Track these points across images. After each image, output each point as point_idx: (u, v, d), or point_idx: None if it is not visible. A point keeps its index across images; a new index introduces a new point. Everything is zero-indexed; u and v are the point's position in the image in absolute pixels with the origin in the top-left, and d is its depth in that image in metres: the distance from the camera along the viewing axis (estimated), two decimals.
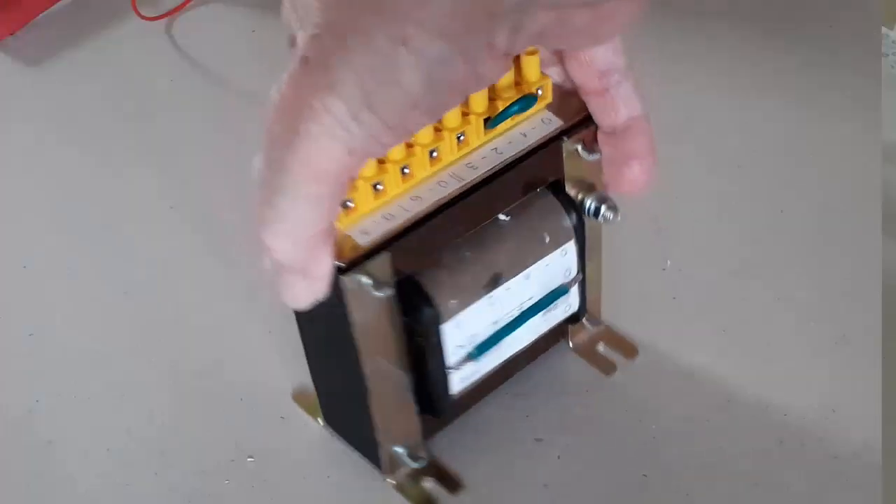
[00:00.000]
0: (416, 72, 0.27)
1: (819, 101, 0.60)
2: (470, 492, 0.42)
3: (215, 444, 0.45)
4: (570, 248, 0.40)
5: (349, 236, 0.35)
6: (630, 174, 0.38)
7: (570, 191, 0.40)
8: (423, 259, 0.37)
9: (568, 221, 0.40)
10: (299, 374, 0.48)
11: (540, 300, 0.40)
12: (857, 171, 0.55)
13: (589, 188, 0.41)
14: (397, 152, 0.35)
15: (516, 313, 0.40)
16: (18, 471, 0.45)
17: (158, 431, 0.46)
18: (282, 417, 0.46)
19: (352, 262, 0.34)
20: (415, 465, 0.41)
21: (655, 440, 0.43)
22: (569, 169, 0.39)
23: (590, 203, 0.41)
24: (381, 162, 0.35)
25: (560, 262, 0.40)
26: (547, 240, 0.40)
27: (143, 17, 0.71)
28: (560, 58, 0.37)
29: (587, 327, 0.46)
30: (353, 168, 0.30)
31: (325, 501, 0.43)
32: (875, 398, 0.44)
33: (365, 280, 0.35)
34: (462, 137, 0.36)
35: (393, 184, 0.35)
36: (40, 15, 0.73)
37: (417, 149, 0.35)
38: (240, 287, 0.53)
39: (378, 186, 0.35)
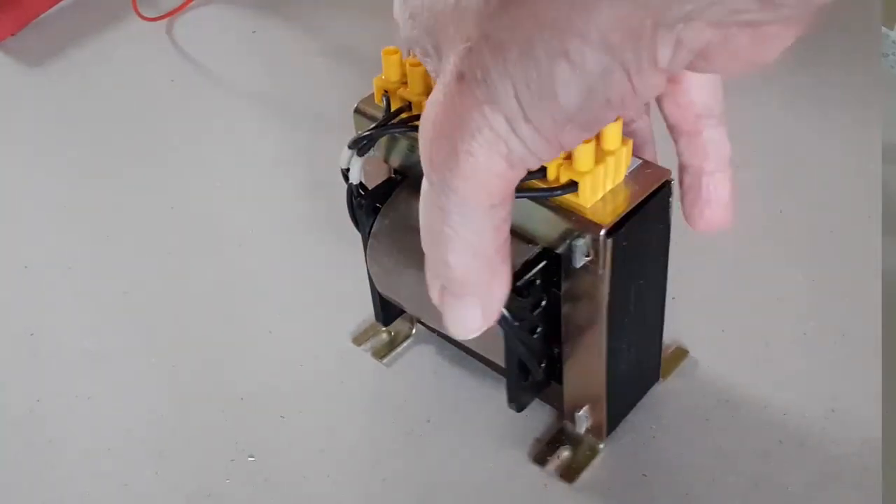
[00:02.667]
0: (574, 86, 0.27)
1: (819, 101, 0.60)
2: (470, 492, 0.42)
3: (215, 444, 0.45)
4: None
5: None
6: (708, 217, 0.39)
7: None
8: None
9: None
10: (299, 373, 0.48)
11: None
12: (857, 171, 0.55)
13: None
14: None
15: None
16: (18, 471, 0.45)
17: (158, 431, 0.46)
18: (281, 417, 0.46)
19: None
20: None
21: (655, 440, 0.43)
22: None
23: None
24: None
25: None
26: None
27: (143, 18, 0.71)
28: (658, 98, 0.37)
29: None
30: (515, 179, 0.30)
31: (324, 501, 0.43)
32: (875, 398, 0.44)
33: None
34: None
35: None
36: (41, 15, 0.73)
37: None
38: (239, 287, 0.53)
39: None
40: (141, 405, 0.47)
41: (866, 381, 0.44)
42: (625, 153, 0.37)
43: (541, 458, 0.43)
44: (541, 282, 0.39)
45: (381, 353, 0.48)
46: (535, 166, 0.29)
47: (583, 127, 0.28)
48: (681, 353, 0.47)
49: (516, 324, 0.38)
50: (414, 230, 0.41)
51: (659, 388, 0.45)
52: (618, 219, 0.36)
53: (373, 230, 0.43)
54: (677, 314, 0.48)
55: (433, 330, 0.48)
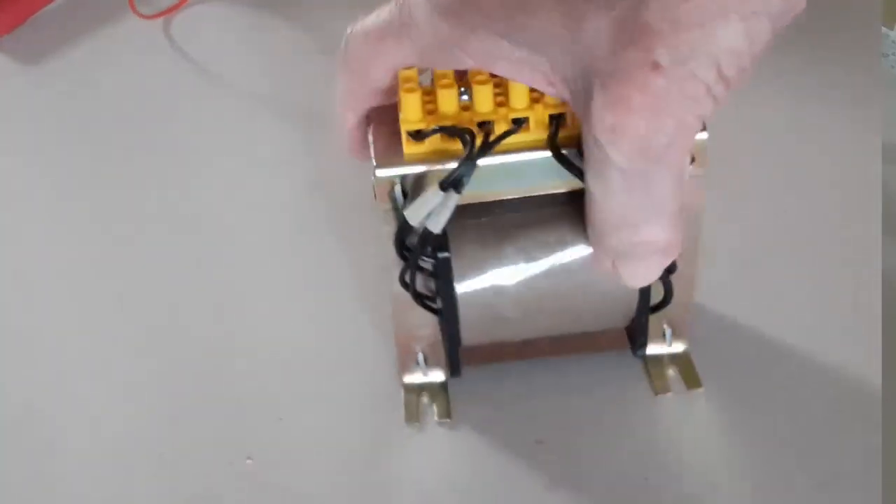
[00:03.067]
0: (766, 30, 0.30)
1: (819, 102, 0.60)
2: (470, 494, 0.42)
3: (215, 445, 0.45)
4: None
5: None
6: None
7: None
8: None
9: None
10: (298, 374, 0.48)
11: None
12: (857, 171, 0.55)
13: None
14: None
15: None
16: (18, 471, 0.45)
17: (158, 431, 0.46)
18: (280, 419, 0.46)
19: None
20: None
21: (656, 440, 0.43)
22: None
23: None
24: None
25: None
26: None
27: (140, 16, 0.71)
28: None
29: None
30: None
31: (324, 501, 0.43)
32: (875, 398, 0.44)
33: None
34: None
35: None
36: (36, 13, 0.73)
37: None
38: (239, 287, 0.52)
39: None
40: (141, 405, 0.47)
41: (866, 381, 0.45)
42: None
43: (660, 387, 0.44)
44: None
45: (445, 412, 0.45)
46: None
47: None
48: None
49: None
50: (500, 251, 0.40)
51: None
52: None
53: (456, 276, 0.40)
54: None
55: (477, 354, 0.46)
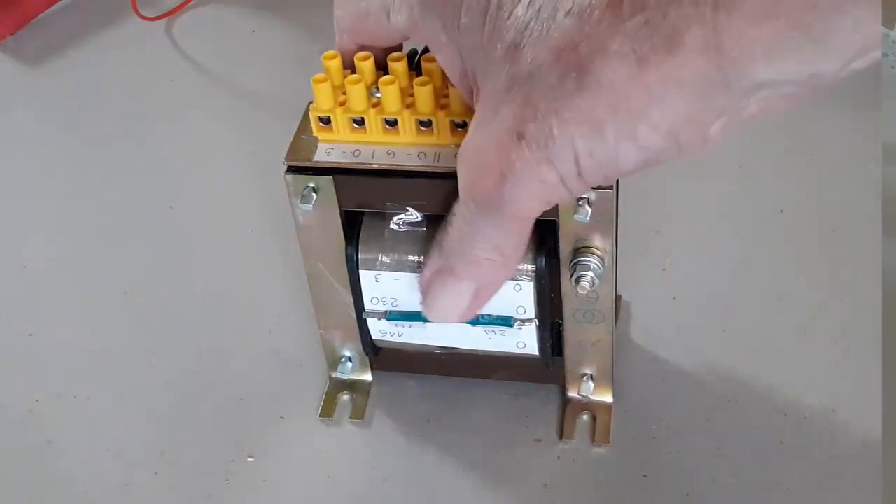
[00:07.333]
0: (635, 160, 0.30)
1: (819, 102, 0.60)
2: (470, 492, 0.42)
3: (215, 444, 0.45)
4: (527, 287, 0.39)
5: (317, 147, 0.39)
6: None
7: (564, 246, 0.39)
8: (370, 203, 0.40)
9: (531, 263, 0.39)
10: (299, 373, 0.48)
11: (477, 315, 0.40)
12: (857, 171, 0.55)
13: (583, 252, 0.39)
14: (392, 104, 0.37)
15: None
16: (18, 471, 0.45)
17: (158, 431, 0.46)
18: (281, 417, 0.46)
19: (300, 167, 0.39)
20: (346, 374, 0.46)
21: (655, 440, 0.43)
22: (565, 220, 0.38)
23: (573, 267, 0.39)
24: (373, 105, 0.38)
25: (510, 294, 0.40)
26: None
27: (142, 17, 0.71)
28: None
29: (585, 389, 0.44)
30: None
31: (324, 501, 0.43)
32: (875, 398, 0.44)
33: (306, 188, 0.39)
34: (462, 128, 0.37)
35: (374, 129, 0.38)
36: (40, 15, 0.73)
37: (406, 113, 0.37)
38: (239, 287, 0.53)
39: (357, 125, 0.38)
40: (141, 405, 0.47)
41: (866, 381, 0.44)
42: None
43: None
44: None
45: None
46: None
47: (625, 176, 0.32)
48: None
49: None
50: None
51: (659, 389, 0.45)
52: None
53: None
54: (678, 313, 0.48)
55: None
